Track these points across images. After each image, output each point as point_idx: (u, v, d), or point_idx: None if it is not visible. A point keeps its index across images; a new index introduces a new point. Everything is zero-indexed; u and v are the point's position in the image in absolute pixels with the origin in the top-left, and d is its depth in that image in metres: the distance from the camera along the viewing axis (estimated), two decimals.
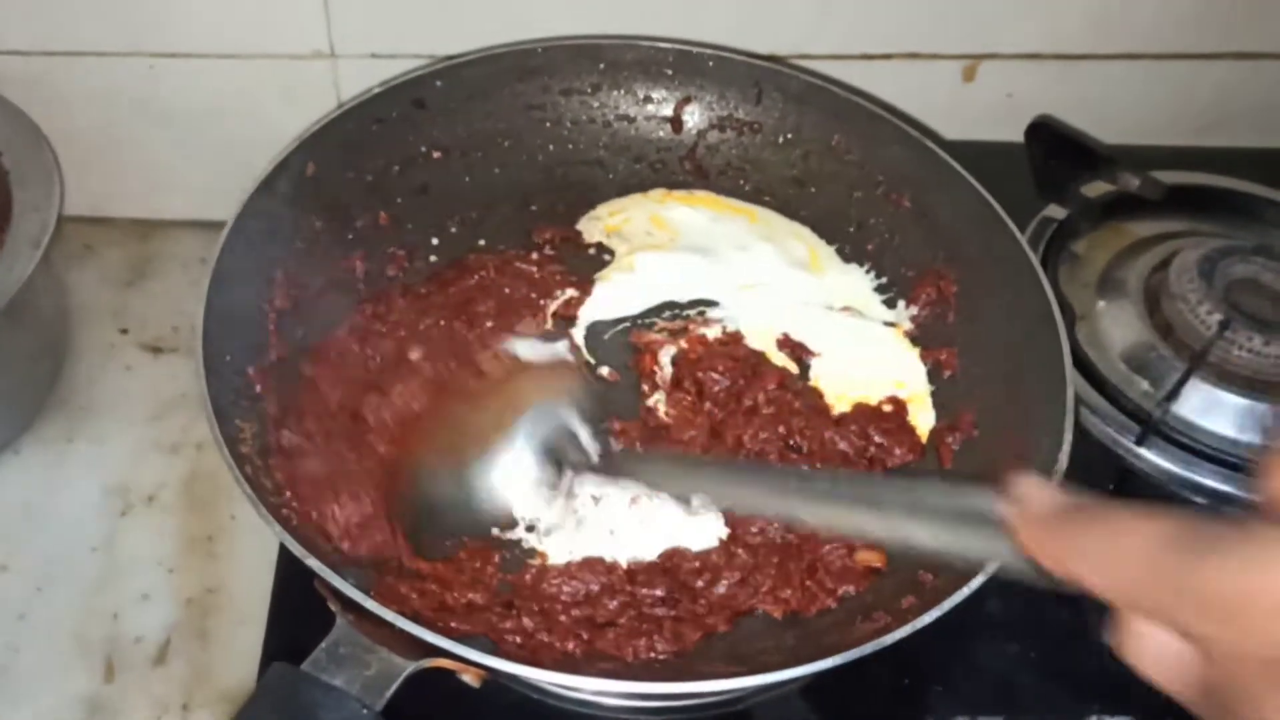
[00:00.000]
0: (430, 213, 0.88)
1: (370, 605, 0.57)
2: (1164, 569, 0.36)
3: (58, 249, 0.97)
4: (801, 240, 0.90)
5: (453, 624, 0.64)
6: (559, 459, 0.74)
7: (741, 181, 0.93)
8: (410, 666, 0.58)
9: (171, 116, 0.98)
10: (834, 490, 0.58)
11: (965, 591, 0.60)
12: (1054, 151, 0.98)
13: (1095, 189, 0.97)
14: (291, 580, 0.74)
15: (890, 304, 0.87)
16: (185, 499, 0.89)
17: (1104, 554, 0.38)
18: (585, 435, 0.75)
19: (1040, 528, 0.41)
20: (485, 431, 0.75)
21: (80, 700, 0.79)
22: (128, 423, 0.93)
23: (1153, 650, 0.39)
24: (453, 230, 0.89)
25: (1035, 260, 0.78)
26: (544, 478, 0.74)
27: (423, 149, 0.88)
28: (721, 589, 0.71)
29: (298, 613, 0.65)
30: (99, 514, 0.88)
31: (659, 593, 0.70)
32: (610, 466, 0.73)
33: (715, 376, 0.81)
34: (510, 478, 0.74)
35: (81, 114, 0.97)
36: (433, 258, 0.88)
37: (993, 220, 0.80)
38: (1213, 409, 0.84)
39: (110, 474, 0.90)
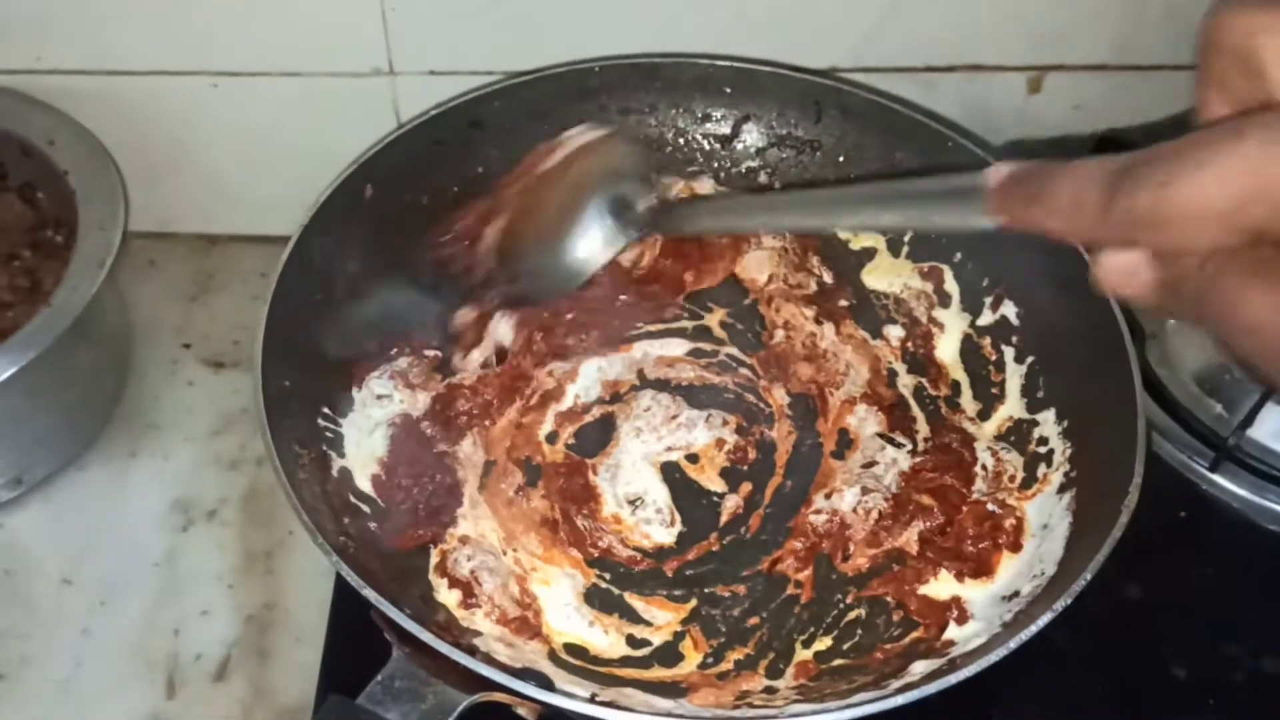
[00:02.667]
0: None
1: (426, 638, 0.56)
2: (1104, 200, 0.41)
3: (123, 265, 0.98)
4: None
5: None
6: (624, 215, 0.72)
7: None
8: (466, 701, 0.58)
9: (233, 133, 0.99)
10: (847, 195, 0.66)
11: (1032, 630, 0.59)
12: None
13: None
14: (349, 605, 0.74)
15: None
16: (245, 514, 0.90)
17: (1057, 197, 0.43)
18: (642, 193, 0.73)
19: (1006, 187, 0.46)
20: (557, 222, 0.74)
21: (142, 717, 0.80)
22: (190, 438, 0.94)
23: (1116, 270, 0.43)
24: None
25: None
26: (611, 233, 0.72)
27: (480, 169, 0.87)
28: None
29: (355, 638, 0.65)
30: (161, 529, 0.89)
31: None
32: (670, 217, 0.72)
33: None
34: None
35: (146, 131, 0.98)
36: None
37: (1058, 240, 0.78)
38: None
39: (173, 489, 0.91)
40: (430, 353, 0.83)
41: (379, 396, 0.81)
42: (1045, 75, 0.99)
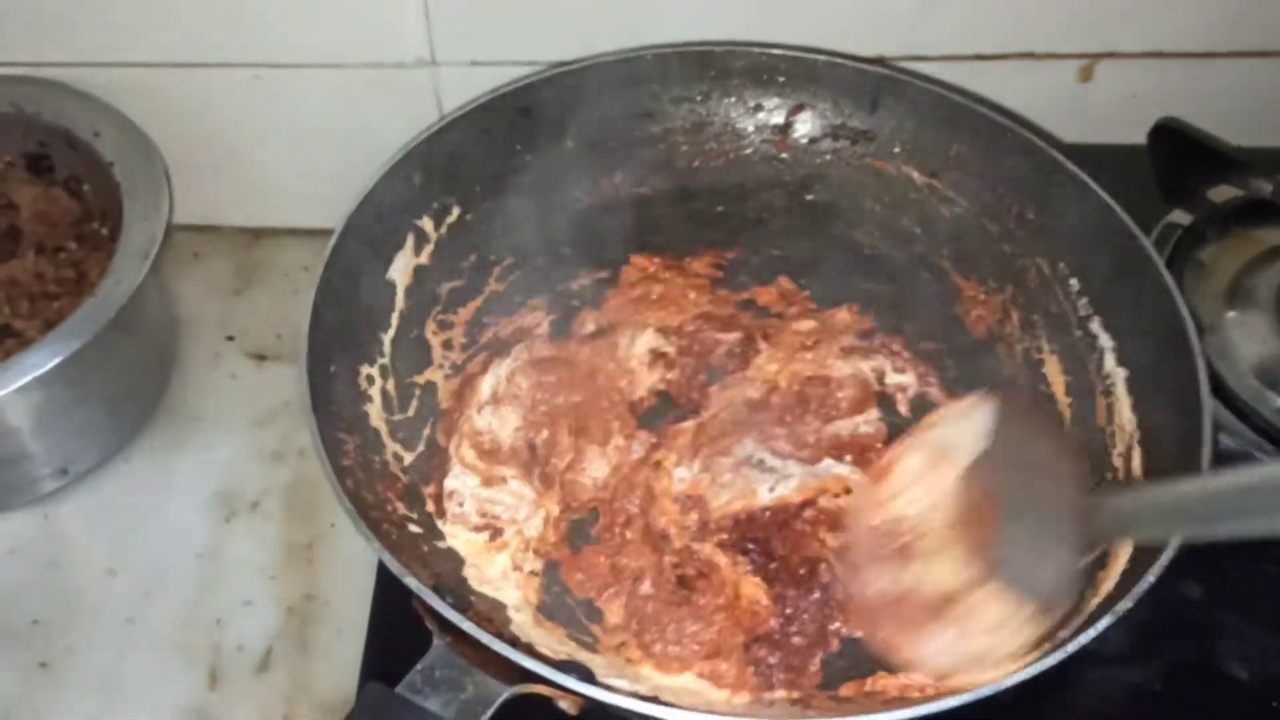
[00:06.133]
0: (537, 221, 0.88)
1: (467, 627, 0.56)
2: None
3: (167, 257, 0.99)
4: None
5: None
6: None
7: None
8: (506, 692, 0.57)
9: (276, 125, 0.99)
10: None
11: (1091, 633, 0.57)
12: (1179, 155, 0.93)
13: (1223, 194, 0.92)
14: (391, 594, 0.74)
15: None
16: (287, 506, 0.90)
17: None
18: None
19: None
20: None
21: (185, 708, 0.80)
22: (233, 430, 0.94)
23: None
24: None
25: (1170, 279, 0.74)
26: None
27: (529, 157, 0.87)
28: None
29: (397, 628, 0.64)
30: (204, 520, 0.89)
31: None
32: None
33: None
34: None
35: (189, 124, 0.98)
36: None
37: (1122, 235, 0.76)
38: None
39: (216, 481, 0.91)
40: None
41: None
42: (1098, 63, 0.97)
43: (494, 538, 0.78)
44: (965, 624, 0.63)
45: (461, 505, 0.79)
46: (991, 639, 0.62)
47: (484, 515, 0.79)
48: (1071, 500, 0.63)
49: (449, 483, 0.80)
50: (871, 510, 0.69)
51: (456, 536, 0.77)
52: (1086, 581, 0.64)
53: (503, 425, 0.84)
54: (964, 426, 0.68)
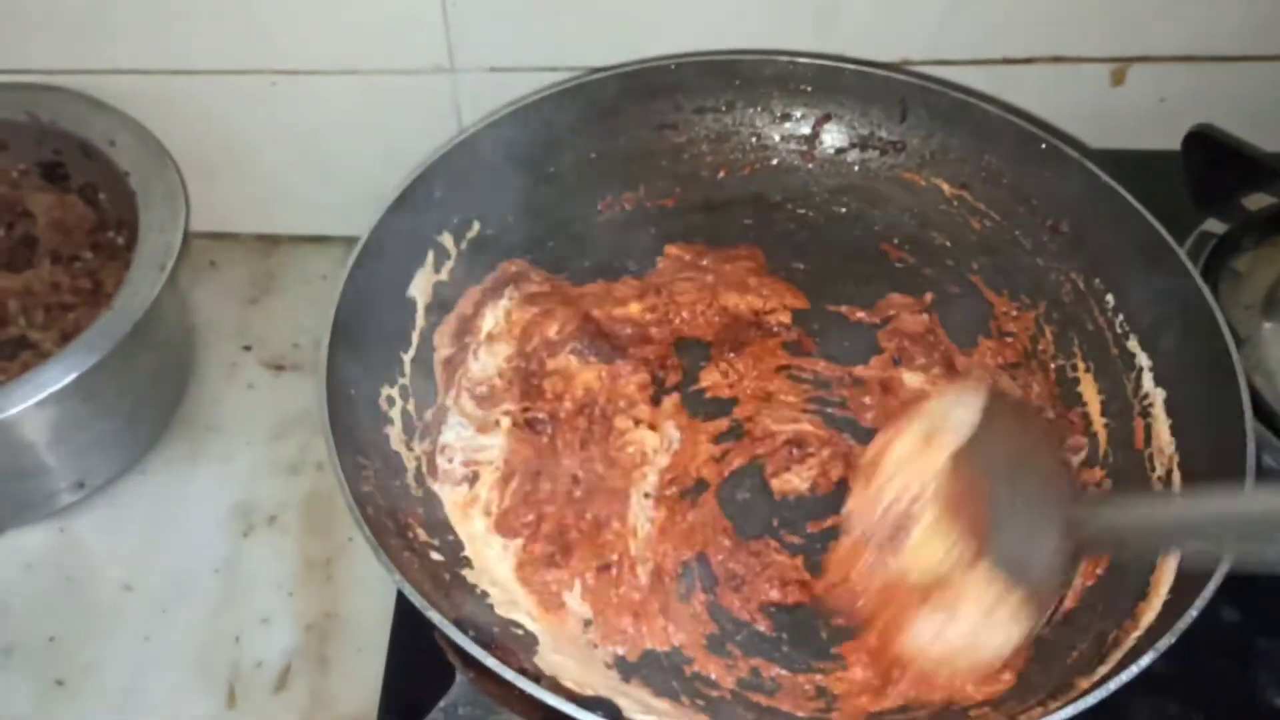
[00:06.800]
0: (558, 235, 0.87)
1: (491, 664, 0.54)
2: None
3: (184, 265, 0.98)
4: None
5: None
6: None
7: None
8: None
9: (293, 133, 0.98)
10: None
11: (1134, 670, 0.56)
12: (1213, 162, 0.91)
13: (1258, 201, 0.90)
14: (411, 621, 0.73)
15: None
16: (305, 520, 0.89)
17: None
18: None
19: None
20: None
21: None
22: (250, 441, 0.93)
23: None
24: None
25: (1210, 298, 0.73)
26: None
27: (551, 169, 0.85)
28: None
29: (417, 657, 0.64)
30: (222, 534, 0.88)
31: None
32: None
33: None
34: None
35: (205, 131, 0.97)
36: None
37: (1160, 249, 0.75)
38: None
39: (233, 494, 0.90)
40: None
41: None
42: (1129, 66, 0.95)
43: (472, 484, 0.77)
44: (954, 609, 0.63)
45: (451, 460, 0.78)
46: (980, 626, 0.62)
47: (469, 465, 0.79)
48: (1058, 495, 0.65)
49: (444, 437, 0.79)
50: (867, 506, 0.69)
51: (444, 494, 0.77)
52: (1072, 572, 0.66)
53: (495, 360, 0.83)
54: (954, 411, 0.69)
